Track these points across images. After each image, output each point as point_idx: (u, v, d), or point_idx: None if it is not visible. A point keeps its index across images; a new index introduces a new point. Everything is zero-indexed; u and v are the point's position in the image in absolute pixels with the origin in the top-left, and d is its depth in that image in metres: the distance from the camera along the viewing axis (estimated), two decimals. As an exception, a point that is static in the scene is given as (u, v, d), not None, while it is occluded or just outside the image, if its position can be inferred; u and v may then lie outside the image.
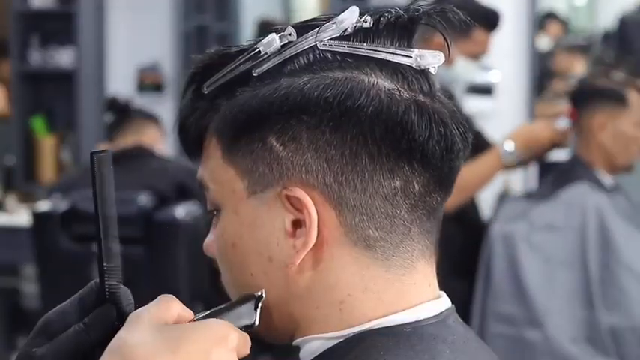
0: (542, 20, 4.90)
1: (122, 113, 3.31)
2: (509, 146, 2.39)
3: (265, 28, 4.13)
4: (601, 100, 2.39)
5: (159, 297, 0.71)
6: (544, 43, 5.03)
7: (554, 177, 2.59)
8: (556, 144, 2.49)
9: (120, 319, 0.72)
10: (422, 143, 0.74)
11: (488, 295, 2.43)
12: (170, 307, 0.70)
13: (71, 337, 0.72)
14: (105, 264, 0.73)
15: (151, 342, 0.66)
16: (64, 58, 4.79)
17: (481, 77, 4.07)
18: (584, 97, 2.43)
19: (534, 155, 2.50)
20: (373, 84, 0.74)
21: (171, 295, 0.71)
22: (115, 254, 0.73)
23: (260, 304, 0.74)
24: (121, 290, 0.73)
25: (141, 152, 3.22)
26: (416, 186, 0.75)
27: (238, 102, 0.76)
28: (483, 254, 2.50)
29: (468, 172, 2.08)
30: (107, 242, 0.73)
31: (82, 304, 0.74)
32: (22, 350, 0.73)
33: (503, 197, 4.11)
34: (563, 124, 2.47)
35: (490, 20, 2.71)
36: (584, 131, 2.45)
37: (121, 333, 0.68)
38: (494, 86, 4.20)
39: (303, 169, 0.74)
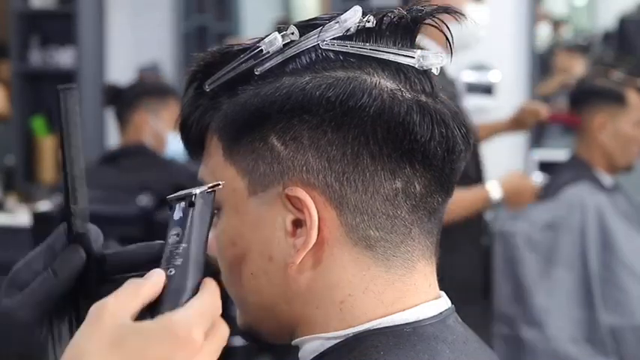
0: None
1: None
2: (497, 194, 2.34)
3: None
4: (601, 100, 2.39)
5: (125, 283, 0.66)
6: (544, 30, 5.03)
7: (554, 177, 2.59)
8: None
9: (89, 259, 0.70)
10: (423, 144, 0.74)
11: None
12: (137, 294, 0.65)
13: (39, 284, 0.70)
14: (71, 205, 0.71)
15: (107, 354, 0.62)
16: (64, 58, 4.79)
17: (481, 77, 4.07)
18: (583, 97, 2.43)
19: (513, 206, 2.49)
20: (375, 84, 0.74)
21: (138, 280, 0.66)
22: (82, 195, 0.71)
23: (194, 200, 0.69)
24: (89, 230, 0.72)
25: (141, 150, 3.20)
26: (417, 186, 0.75)
27: (240, 100, 0.76)
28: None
29: (453, 202, 1.99)
30: (73, 182, 0.71)
31: (50, 250, 0.73)
32: None
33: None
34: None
35: None
36: (584, 131, 2.45)
37: (81, 335, 0.64)
38: (494, 86, 4.20)
39: (304, 168, 0.74)
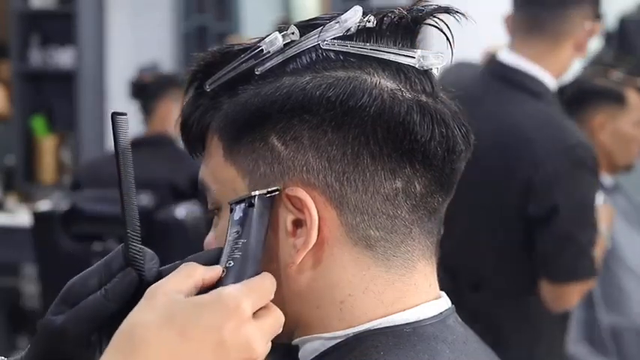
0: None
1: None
2: None
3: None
4: (600, 100, 2.38)
5: (179, 266, 0.71)
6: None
7: None
8: None
9: (142, 283, 0.72)
10: (423, 144, 0.74)
11: None
12: (190, 275, 0.70)
13: (90, 304, 0.72)
14: (128, 229, 0.74)
15: (160, 325, 0.66)
16: (64, 58, 4.79)
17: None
18: (583, 97, 2.43)
19: None
20: (376, 84, 0.74)
21: (192, 263, 0.71)
22: (137, 219, 0.74)
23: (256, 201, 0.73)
24: (145, 254, 0.74)
25: (164, 140, 3.22)
26: (417, 186, 0.75)
27: (240, 100, 0.76)
28: None
29: None
30: (130, 207, 0.74)
31: (107, 269, 0.75)
32: (43, 319, 0.74)
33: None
34: None
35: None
36: (584, 131, 2.45)
37: (135, 311, 0.68)
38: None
39: (305, 168, 0.74)
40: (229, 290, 0.69)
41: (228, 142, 0.77)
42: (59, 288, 0.76)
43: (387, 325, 0.75)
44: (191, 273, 0.70)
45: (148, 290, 0.69)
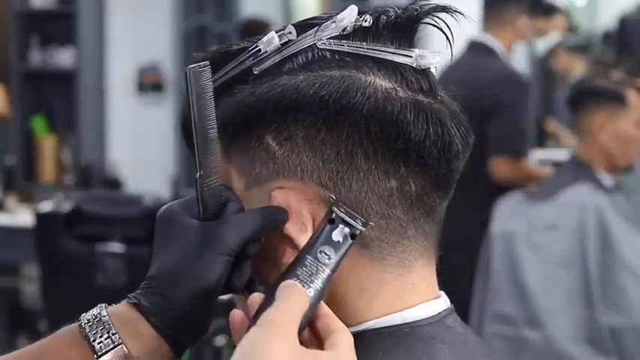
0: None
1: None
2: None
3: (253, 27, 4.15)
4: (600, 100, 2.39)
5: (288, 294, 0.67)
6: (551, 38, 5.02)
7: (554, 177, 2.58)
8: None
9: None
10: (417, 143, 0.73)
11: (487, 295, 2.42)
12: (302, 309, 0.66)
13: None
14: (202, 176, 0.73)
15: None
16: (64, 58, 4.79)
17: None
18: (583, 98, 2.43)
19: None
20: (370, 83, 0.74)
21: (299, 289, 0.68)
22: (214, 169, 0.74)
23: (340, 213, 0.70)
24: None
25: None
26: (412, 186, 0.74)
27: (236, 100, 0.76)
28: (483, 253, 2.50)
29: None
30: (205, 158, 0.73)
31: None
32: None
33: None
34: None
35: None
36: (584, 131, 2.45)
37: (267, 344, 0.63)
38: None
39: (299, 168, 0.73)
40: (346, 351, 0.67)
41: (225, 141, 0.77)
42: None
43: (385, 325, 0.74)
44: (303, 307, 0.67)
45: (276, 319, 0.64)
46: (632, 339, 2.28)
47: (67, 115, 4.83)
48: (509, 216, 2.46)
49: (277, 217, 0.73)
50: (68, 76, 4.79)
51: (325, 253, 0.70)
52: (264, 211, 0.73)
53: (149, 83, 4.82)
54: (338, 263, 0.71)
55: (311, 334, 0.69)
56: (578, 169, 2.45)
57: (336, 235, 0.71)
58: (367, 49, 0.75)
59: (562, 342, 2.29)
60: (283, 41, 0.76)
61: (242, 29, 4.44)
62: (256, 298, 0.69)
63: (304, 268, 0.70)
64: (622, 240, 2.34)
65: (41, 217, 3.18)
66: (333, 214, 0.71)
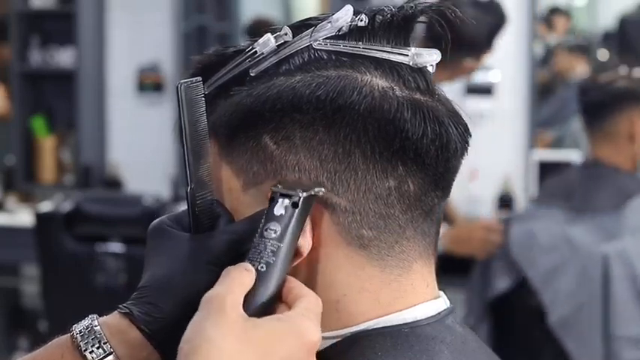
0: (547, 17, 4.90)
1: None
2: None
3: (258, 28, 4.15)
4: (631, 101, 2.31)
5: (230, 272, 0.68)
6: (552, 39, 5.03)
7: (580, 186, 2.44)
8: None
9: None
10: (415, 142, 0.73)
11: (610, 320, 2.30)
12: (243, 285, 0.68)
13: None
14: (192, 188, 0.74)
15: (239, 351, 0.64)
16: (64, 58, 4.79)
17: (481, 77, 4.07)
18: (609, 101, 2.34)
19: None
20: (367, 82, 0.74)
21: (237, 269, 0.69)
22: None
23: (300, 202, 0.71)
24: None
25: None
26: (411, 186, 0.74)
27: (234, 101, 0.76)
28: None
29: None
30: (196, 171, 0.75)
31: None
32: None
33: (504, 198, 4.09)
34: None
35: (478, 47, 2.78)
36: (610, 136, 2.34)
37: (200, 323, 0.65)
38: (494, 86, 4.19)
39: (297, 168, 0.73)
40: (307, 325, 0.67)
41: (222, 142, 0.77)
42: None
43: (384, 325, 0.74)
44: (244, 282, 0.68)
45: (209, 299, 0.66)
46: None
47: (67, 115, 4.83)
48: (600, 237, 2.33)
49: None
50: (68, 76, 4.79)
51: (270, 229, 0.70)
52: (253, 220, 0.74)
53: (149, 83, 4.81)
54: (291, 233, 0.70)
55: (287, 308, 0.70)
56: (616, 176, 2.35)
57: (278, 210, 0.71)
58: (363, 48, 0.75)
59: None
60: (279, 42, 0.76)
61: (248, 30, 4.44)
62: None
63: (253, 250, 0.70)
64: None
65: (41, 217, 3.18)
66: (271, 194, 0.72)
